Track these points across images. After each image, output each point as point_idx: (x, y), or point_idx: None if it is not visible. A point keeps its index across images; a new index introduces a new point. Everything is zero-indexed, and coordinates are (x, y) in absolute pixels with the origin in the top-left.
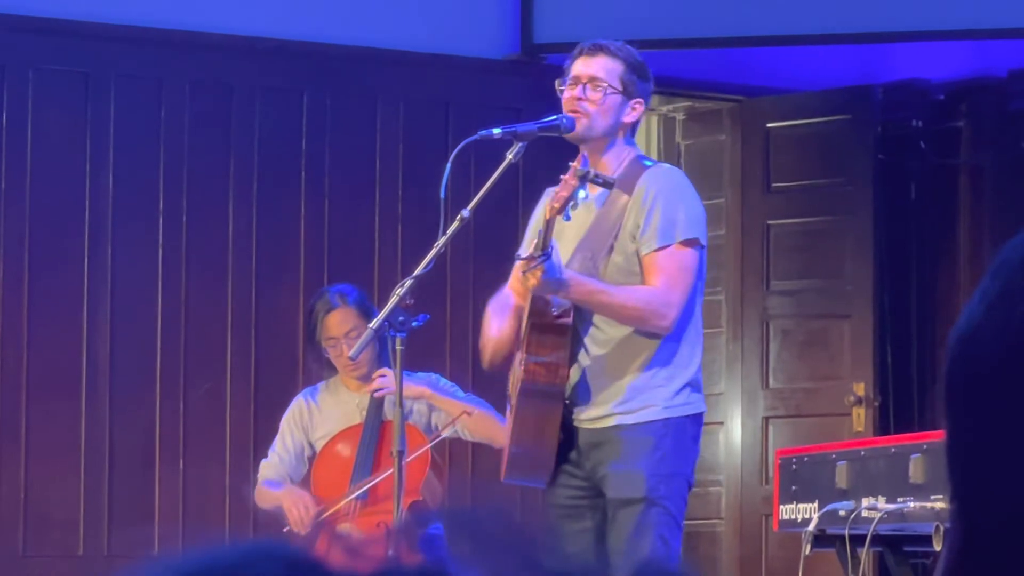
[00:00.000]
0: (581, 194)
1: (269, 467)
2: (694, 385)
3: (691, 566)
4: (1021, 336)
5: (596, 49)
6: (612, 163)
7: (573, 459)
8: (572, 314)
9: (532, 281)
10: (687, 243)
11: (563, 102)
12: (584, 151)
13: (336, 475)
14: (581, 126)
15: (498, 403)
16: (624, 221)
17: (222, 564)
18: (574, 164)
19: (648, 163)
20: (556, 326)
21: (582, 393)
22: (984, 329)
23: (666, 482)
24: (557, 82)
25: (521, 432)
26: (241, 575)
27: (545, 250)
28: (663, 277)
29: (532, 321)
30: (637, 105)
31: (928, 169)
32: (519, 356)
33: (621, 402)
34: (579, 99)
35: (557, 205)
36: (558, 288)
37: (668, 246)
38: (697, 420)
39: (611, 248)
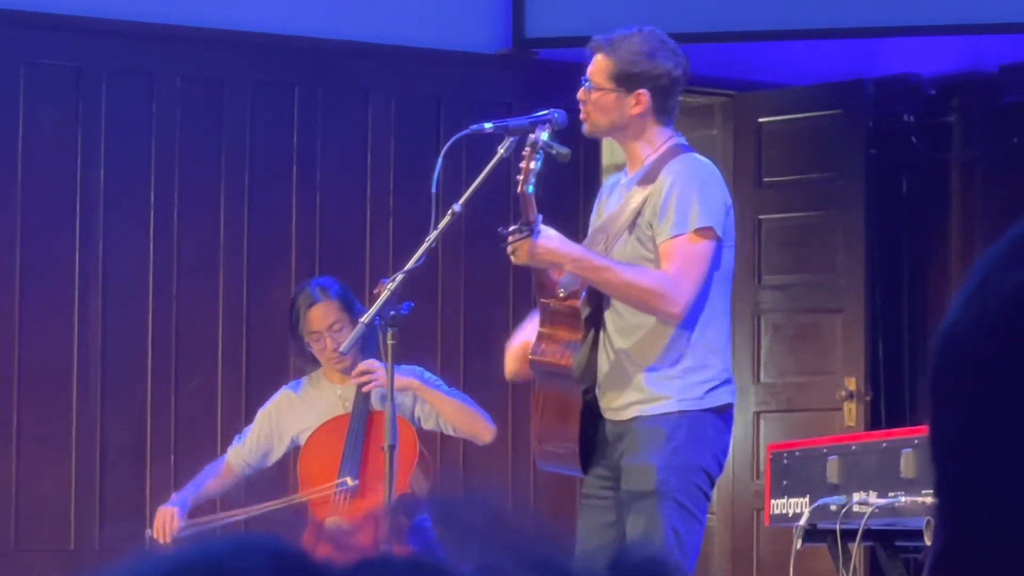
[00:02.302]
0: (532, 165)
1: (234, 452)
2: (719, 378)
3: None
4: (996, 329)
5: (594, 47)
6: (643, 152)
7: (602, 450)
8: (582, 297)
9: (519, 256)
10: (701, 232)
11: None
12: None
13: (323, 465)
14: (585, 126)
15: (486, 399)
16: (643, 209)
17: (209, 557)
18: (531, 135)
19: (683, 152)
20: (565, 308)
21: (607, 381)
22: (963, 322)
23: (678, 474)
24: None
25: (543, 413)
26: (228, 568)
27: (529, 223)
28: (675, 264)
29: (541, 302)
30: (640, 97)
31: (919, 164)
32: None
33: (639, 392)
34: (580, 100)
35: (520, 178)
36: (552, 260)
37: (682, 234)
38: (720, 413)
39: (628, 233)
